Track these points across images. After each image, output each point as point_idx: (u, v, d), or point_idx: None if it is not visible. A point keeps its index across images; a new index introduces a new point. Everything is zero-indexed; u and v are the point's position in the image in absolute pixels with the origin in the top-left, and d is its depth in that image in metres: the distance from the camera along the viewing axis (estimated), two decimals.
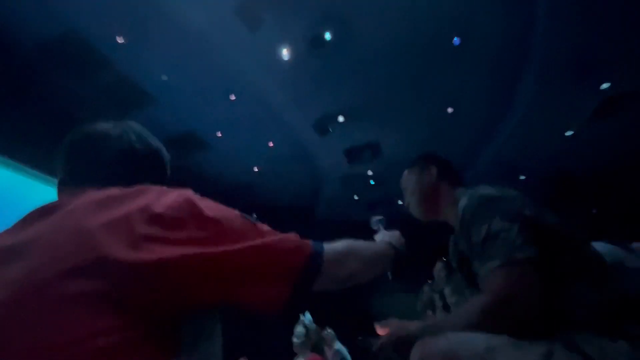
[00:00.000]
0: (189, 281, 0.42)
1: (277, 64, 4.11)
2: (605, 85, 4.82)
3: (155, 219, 0.43)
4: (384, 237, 0.87)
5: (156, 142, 0.65)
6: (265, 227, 0.53)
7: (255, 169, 6.57)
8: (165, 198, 0.47)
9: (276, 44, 3.90)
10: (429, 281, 4.45)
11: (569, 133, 6.00)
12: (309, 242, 0.56)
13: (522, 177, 7.22)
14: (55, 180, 0.58)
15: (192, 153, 5.62)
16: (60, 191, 0.57)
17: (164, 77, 4.06)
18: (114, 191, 0.48)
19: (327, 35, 3.77)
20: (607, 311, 0.66)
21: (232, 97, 4.57)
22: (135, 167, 0.59)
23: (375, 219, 1.02)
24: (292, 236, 0.54)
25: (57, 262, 0.39)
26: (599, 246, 0.85)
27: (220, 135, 5.37)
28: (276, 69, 4.19)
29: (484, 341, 0.61)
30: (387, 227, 0.97)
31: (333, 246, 0.60)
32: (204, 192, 0.52)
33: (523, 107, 5.20)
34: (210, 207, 0.49)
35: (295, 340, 2.50)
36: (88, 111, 3.98)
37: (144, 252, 0.40)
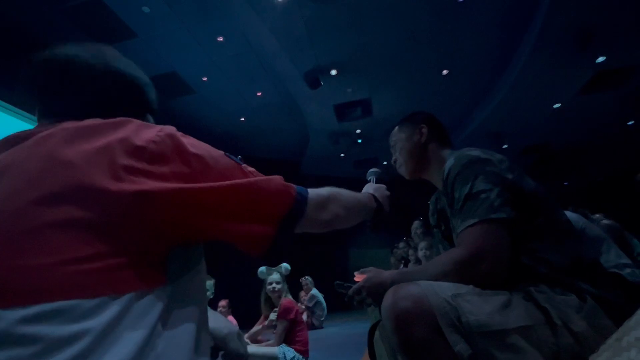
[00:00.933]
0: (172, 215, 0.42)
1: (270, 5, 3.81)
2: (601, 59, 4.80)
3: (137, 151, 0.42)
4: (368, 188, 0.89)
5: (141, 73, 0.59)
6: (250, 168, 0.53)
7: (242, 119, 6.39)
8: (147, 131, 0.45)
9: None
10: (405, 238, 4.70)
11: (556, 105, 6.07)
12: (294, 185, 0.56)
13: (505, 146, 7.40)
14: (31, 117, 0.53)
15: (174, 96, 5.37)
16: (38, 122, 0.52)
17: (146, 9, 3.71)
18: (90, 121, 0.46)
19: None
20: (564, 270, 0.73)
21: (220, 39, 4.27)
22: (117, 98, 0.55)
23: (372, 170, 1.04)
24: (277, 178, 0.54)
25: (31, 189, 0.38)
26: (566, 214, 0.91)
27: (205, 79, 5.10)
28: (269, 11, 3.89)
29: (452, 289, 0.67)
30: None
31: (317, 191, 0.61)
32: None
33: (516, 76, 5.15)
34: (194, 144, 0.47)
35: (275, 286, 2.65)
36: (62, 41, 3.65)
37: (127, 183, 0.39)
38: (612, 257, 1.76)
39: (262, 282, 2.78)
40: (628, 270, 1.72)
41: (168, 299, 0.42)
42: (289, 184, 0.55)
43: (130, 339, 0.36)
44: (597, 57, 4.78)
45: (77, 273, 0.36)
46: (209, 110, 5.94)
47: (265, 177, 0.52)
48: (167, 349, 0.39)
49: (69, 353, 0.33)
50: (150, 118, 0.62)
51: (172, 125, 0.49)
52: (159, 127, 0.47)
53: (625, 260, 1.80)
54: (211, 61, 4.69)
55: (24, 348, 0.32)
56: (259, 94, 5.62)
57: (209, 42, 4.30)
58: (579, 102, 5.92)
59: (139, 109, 0.59)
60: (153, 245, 0.42)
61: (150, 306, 0.39)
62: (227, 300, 3.98)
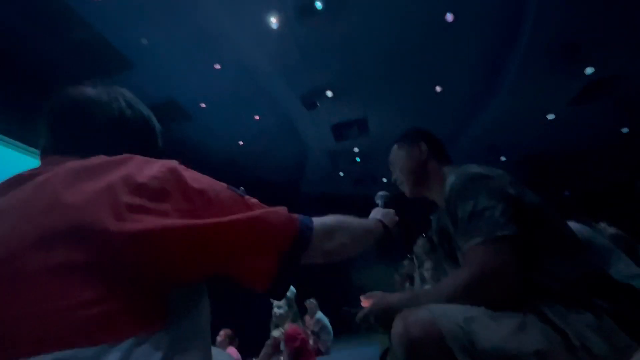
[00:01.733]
0: (175, 253, 0.41)
1: (265, 32, 3.93)
2: (589, 70, 4.90)
3: (139, 188, 0.41)
4: (376, 214, 0.88)
5: (147, 111, 0.60)
6: (253, 200, 0.52)
7: (240, 143, 6.45)
8: (149, 168, 0.45)
9: (264, 11, 3.71)
10: (409, 256, 4.63)
11: (550, 116, 6.16)
12: (298, 216, 0.55)
13: (503, 159, 7.44)
14: (32, 150, 0.54)
15: (173, 124, 5.43)
16: (42, 160, 0.53)
17: (144, 41, 3.82)
18: (94, 160, 0.46)
19: (318, 5, 3.61)
20: (577, 285, 0.71)
21: (217, 67, 4.38)
22: (125, 136, 0.56)
23: (380, 194, 1.03)
24: (281, 210, 0.52)
25: (31, 231, 0.37)
26: (570, 225, 0.90)
27: (204, 106, 5.18)
28: (264, 37, 4.01)
29: (463, 312, 0.65)
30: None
31: (322, 220, 0.60)
32: (186, 166, 0.50)
33: (508, 89, 5.25)
34: (196, 178, 0.47)
35: (276, 310, 2.57)
36: (61, 76, 3.73)
37: (129, 222, 0.38)
38: (622, 268, 1.72)
39: (267, 307, 2.71)
40: (639, 280, 1.68)
41: (170, 343, 0.40)
42: (293, 215, 0.54)
43: None
44: (586, 68, 4.89)
45: (76, 319, 0.34)
46: (208, 135, 6.00)
47: (268, 210, 0.51)
48: None
49: None
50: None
51: (171, 151, 0.49)
52: (162, 162, 0.47)
53: (636, 270, 1.76)
54: (209, 88, 4.78)
55: None
56: (257, 117, 5.70)
57: (206, 69, 4.41)
58: (572, 112, 6.01)
59: (149, 148, 0.59)
60: (154, 286, 0.40)
61: (152, 353, 0.37)
62: (226, 331, 3.78)
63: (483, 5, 3.95)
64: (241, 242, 0.46)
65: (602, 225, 3.05)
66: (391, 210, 0.91)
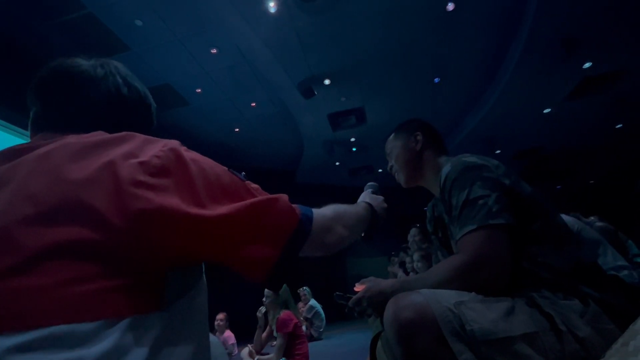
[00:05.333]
0: (174, 237, 0.40)
1: (263, 17, 3.85)
2: (587, 64, 4.91)
3: (140, 165, 0.40)
4: (365, 197, 0.88)
5: (143, 87, 0.59)
6: (254, 186, 0.51)
7: (236, 130, 6.39)
8: (151, 146, 0.44)
9: None
10: (404, 246, 4.69)
11: (546, 110, 6.19)
12: (299, 207, 0.53)
13: (498, 152, 7.49)
14: (24, 132, 0.52)
15: (168, 108, 5.36)
16: (34, 135, 0.51)
17: (138, 22, 3.73)
18: (95, 136, 0.45)
19: None
20: (566, 274, 0.72)
21: (214, 51, 4.30)
22: (121, 113, 0.54)
23: (370, 183, 1.03)
24: (283, 198, 0.51)
25: (30, 206, 0.37)
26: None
27: (199, 91, 5.11)
28: (262, 22, 3.93)
29: (454, 296, 0.67)
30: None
31: (322, 213, 0.58)
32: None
33: (506, 82, 5.24)
34: (197, 159, 0.46)
35: (265, 299, 2.62)
36: (53, 56, 3.64)
37: (129, 199, 0.38)
38: (609, 260, 1.77)
39: (260, 293, 2.76)
40: (625, 272, 1.73)
41: (168, 323, 0.40)
42: (294, 205, 0.53)
43: None
44: (584, 63, 4.90)
45: (73, 295, 0.34)
46: (203, 121, 5.93)
47: (270, 197, 0.50)
48: None
49: None
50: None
51: (164, 135, 0.48)
52: (163, 141, 0.46)
53: (622, 262, 1.81)
54: (205, 73, 4.70)
55: None
56: (253, 104, 5.64)
57: (202, 54, 4.32)
58: (568, 107, 6.04)
59: (144, 125, 0.58)
60: (151, 266, 0.40)
61: (150, 331, 0.37)
62: (224, 314, 3.89)
63: None
64: (242, 230, 0.45)
65: (592, 218, 3.11)
66: (380, 197, 0.91)
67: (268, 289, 2.66)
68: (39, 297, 0.33)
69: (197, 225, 0.41)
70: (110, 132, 0.47)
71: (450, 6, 3.94)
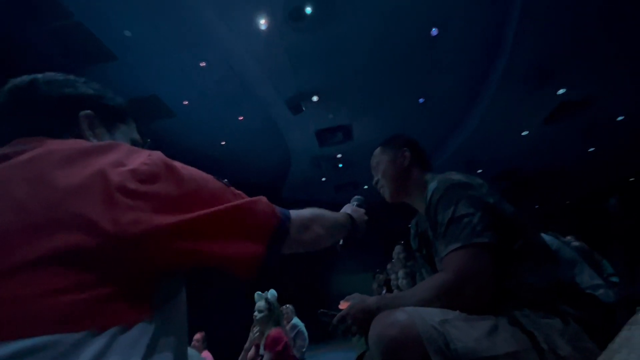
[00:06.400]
0: (166, 244, 0.41)
1: (253, 33, 3.92)
2: (561, 91, 5.20)
3: (129, 173, 0.41)
4: (347, 209, 0.90)
5: (117, 98, 0.61)
6: (236, 191, 0.54)
7: (223, 143, 6.35)
8: (137, 155, 0.45)
9: (254, 12, 3.70)
10: (389, 264, 4.68)
11: (524, 133, 6.46)
12: (277, 207, 0.58)
13: (479, 171, 7.71)
14: None
15: (154, 119, 5.29)
16: (8, 142, 0.50)
17: (127, 33, 3.72)
18: (80, 143, 0.45)
19: (308, 10, 3.64)
20: (546, 292, 0.74)
21: (203, 64, 4.31)
22: (93, 115, 0.55)
23: (357, 197, 1.04)
24: (263, 199, 0.55)
25: (16, 214, 0.36)
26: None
27: (187, 103, 5.08)
28: (252, 38, 3.99)
29: (439, 314, 0.66)
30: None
31: (298, 212, 0.64)
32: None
33: (486, 106, 5.48)
34: (184, 166, 0.48)
35: (257, 314, 2.51)
36: (40, 64, 3.57)
37: (119, 208, 0.38)
38: (585, 279, 1.82)
39: (244, 310, 2.65)
40: (601, 290, 1.78)
41: (152, 333, 0.39)
42: (273, 205, 0.57)
43: None
44: (558, 89, 5.18)
45: (59, 305, 0.34)
46: (190, 133, 5.87)
47: (252, 199, 0.53)
48: None
49: None
50: (130, 124, 0.62)
51: (151, 147, 0.49)
52: (148, 151, 0.47)
53: (598, 281, 1.86)
54: (193, 85, 4.70)
55: None
56: (241, 118, 5.64)
57: (191, 66, 4.33)
58: (544, 131, 6.33)
59: (104, 118, 0.58)
60: (140, 274, 0.40)
61: (134, 342, 0.37)
62: (202, 333, 3.73)
63: (466, 24, 4.12)
64: (229, 230, 0.47)
65: (568, 238, 3.21)
66: (362, 210, 0.93)
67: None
68: (22, 307, 0.33)
69: (188, 227, 0.43)
70: (78, 134, 0.48)
71: (434, 31, 4.13)
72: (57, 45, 3.69)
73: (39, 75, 0.55)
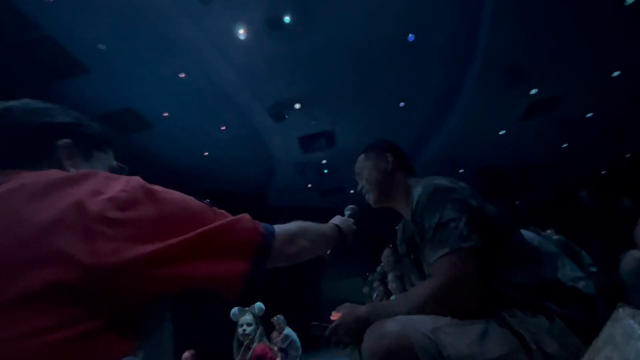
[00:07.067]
0: (148, 272, 0.40)
1: (232, 43, 3.90)
2: (533, 91, 5.43)
3: (109, 201, 0.40)
4: (335, 220, 0.91)
5: (95, 125, 0.60)
6: (218, 210, 0.54)
7: (205, 154, 6.26)
8: (114, 182, 0.44)
9: (232, 22, 3.69)
10: (379, 267, 4.70)
11: (502, 132, 6.68)
12: (260, 224, 0.58)
13: (461, 170, 7.90)
14: None
15: (131, 132, 5.14)
16: None
17: (102, 46, 3.62)
18: (53, 174, 0.44)
19: (286, 18, 3.66)
20: (531, 291, 0.76)
21: (182, 75, 4.25)
22: (67, 142, 0.54)
23: (350, 206, 1.04)
24: (246, 217, 0.55)
25: None
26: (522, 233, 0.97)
27: (167, 115, 4.98)
28: (232, 48, 3.97)
29: (430, 322, 0.67)
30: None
31: (284, 226, 0.64)
32: (146, 177, 0.50)
33: (464, 107, 5.64)
34: (164, 189, 0.48)
35: (245, 328, 2.46)
36: (7, 79, 3.42)
37: (99, 240, 0.37)
38: (567, 272, 1.87)
39: (232, 326, 2.59)
40: (583, 283, 1.83)
41: None
42: (256, 222, 0.57)
43: None
44: (531, 90, 5.40)
45: (44, 346, 0.32)
46: (171, 145, 5.75)
47: (235, 218, 0.53)
48: None
49: None
50: (108, 152, 0.61)
51: (132, 159, 0.48)
52: (126, 177, 0.46)
53: (579, 273, 1.91)
54: (172, 96, 4.62)
55: None
56: (223, 128, 5.58)
57: (170, 78, 4.26)
58: (520, 128, 6.57)
59: (83, 147, 0.57)
60: (125, 304, 0.39)
61: None
62: (191, 352, 3.61)
63: (441, 29, 4.24)
64: (212, 251, 0.47)
65: (548, 232, 3.32)
66: (350, 220, 0.94)
67: (239, 304, 2.52)
68: (5, 351, 0.31)
69: (170, 252, 0.42)
70: (54, 162, 0.47)
71: (411, 37, 4.24)
72: (26, 59, 3.55)
73: (14, 103, 0.53)
